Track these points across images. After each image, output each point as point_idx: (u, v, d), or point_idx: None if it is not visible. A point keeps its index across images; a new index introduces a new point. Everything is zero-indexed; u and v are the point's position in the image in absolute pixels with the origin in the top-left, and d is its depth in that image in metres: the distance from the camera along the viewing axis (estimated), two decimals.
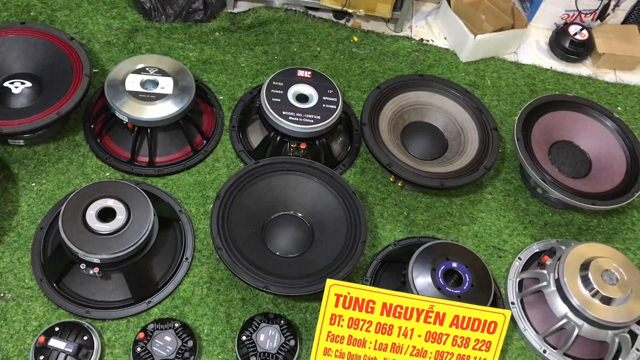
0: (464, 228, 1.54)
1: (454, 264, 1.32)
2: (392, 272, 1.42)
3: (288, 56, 1.77)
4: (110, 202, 1.25)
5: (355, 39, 1.85)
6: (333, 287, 1.23)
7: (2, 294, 1.26)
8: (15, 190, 1.39)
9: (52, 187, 1.41)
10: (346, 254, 1.30)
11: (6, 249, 1.32)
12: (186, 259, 1.36)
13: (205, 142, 1.54)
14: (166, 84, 1.45)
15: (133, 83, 1.44)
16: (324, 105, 1.49)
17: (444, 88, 1.61)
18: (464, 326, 1.26)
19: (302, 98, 1.51)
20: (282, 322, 1.27)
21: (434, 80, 1.62)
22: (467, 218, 1.56)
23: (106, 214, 1.24)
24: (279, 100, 1.48)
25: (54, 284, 1.27)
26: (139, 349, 1.19)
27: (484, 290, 1.32)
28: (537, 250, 1.51)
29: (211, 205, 1.45)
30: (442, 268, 1.31)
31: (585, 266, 1.33)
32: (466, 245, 1.40)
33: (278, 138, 1.49)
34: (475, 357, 1.28)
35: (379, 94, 1.55)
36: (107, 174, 1.46)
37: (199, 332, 1.27)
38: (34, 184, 1.41)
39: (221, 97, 1.65)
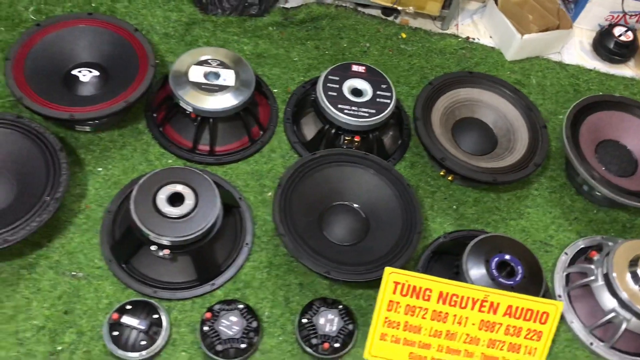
0: (512, 223, 1.58)
1: (507, 256, 1.36)
2: (443, 263, 1.46)
3: (338, 51, 1.82)
4: (179, 188, 1.31)
5: (404, 35, 1.89)
6: (392, 275, 1.28)
7: (73, 272, 1.32)
8: (82, 174, 1.45)
9: (117, 172, 1.47)
10: (402, 244, 1.35)
11: (76, 230, 1.37)
12: (246, 244, 1.41)
13: (261, 133, 1.59)
14: (228, 76, 1.50)
15: (196, 74, 1.49)
16: (378, 100, 1.54)
17: (494, 85, 1.64)
18: (517, 316, 1.31)
19: (356, 92, 1.55)
20: (340, 307, 1.32)
21: (484, 78, 1.66)
22: (514, 213, 1.60)
23: (175, 199, 1.30)
24: (335, 94, 1.53)
25: (123, 265, 1.33)
26: (206, 328, 1.25)
27: (535, 282, 1.36)
28: (582, 246, 1.55)
29: (269, 194, 1.51)
30: (495, 260, 1.35)
31: (634, 262, 1.37)
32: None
33: (333, 131, 1.54)
34: (526, 347, 1.32)
35: (431, 90, 1.59)
36: (170, 161, 1.51)
37: (259, 315, 1.32)
38: (100, 169, 1.47)
39: (275, 90, 1.69)
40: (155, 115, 1.56)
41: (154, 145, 1.53)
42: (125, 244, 1.34)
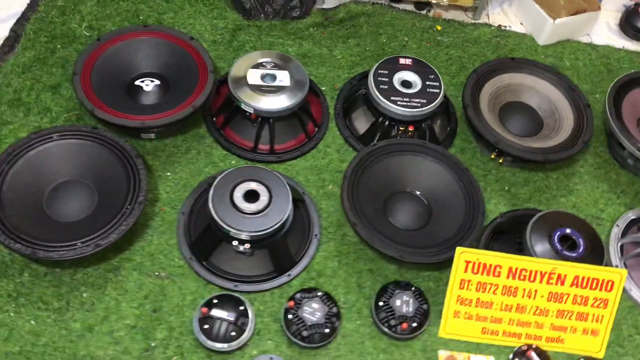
0: (562, 200, 1.64)
1: (568, 230, 1.42)
2: (502, 242, 1.52)
3: (378, 47, 1.88)
4: (253, 185, 1.37)
5: (439, 28, 1.96)
6: (463, 254, 1.34)
7: (157, 273, 1.38)
8: (153, 179, 1.51)
9: (185, 175, 1.53)
10: (468, 225, 1.41)
11: (154, 232, 1.44)
12: (315, 235, 1.47)
13: (316, 129, 1.65)
14: (283, 77, 1.57)
15: (254, 77, 1.55)
16: (427, 90, 1.60)
17: (536, 69, 1.71)
18: (583, 285, 1.37)
19: (406, 84, 1.62)
20: (413, 288, 1.38)
21: (525, 63, 1.72)
22: (564, 190, 1.66)
23: (251, 196, 1.36)
24: (386, 87, 1.59)
25: (203, 262, 1.39)
26: (290, 316, 1.31)
27: (596, 253, 1.42)
28: (633, 217, 1.60)
29: (329, 187, 1.57)
30: (557, 234, 1.41)
31: None
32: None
33: (387, 122, 1.60)
34: (593, 314, 1.38)
35: (477, 78, 1.65)
36: (233, 162, 1.58)
37: (336, 301, 1.38)
38: (168, 173, 1.53)
39: (323, 88, 1.76)
40: (214, 119, 1.62)
41: (217, 147, 1.59)
42: (204, 242, 1.40)
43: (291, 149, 1.61)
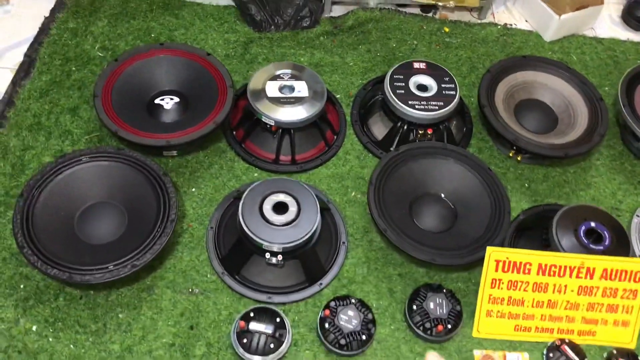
0: (582, 193, 1.66)
1: (593, 224, 1.44)
2: (527, 239, 1.54)
3: (389, 52, 1.90)
4: (281, 197, 1.38)
5: (447, 29, 1.98)
6: (493, 254, 1.36)
7: (191, 289, 1.39)
8: (179, 196, 1.52)
9: (210, 190, 1.54)
10: (495, 225, 1.43)
11: (184, 249, 1.45)
12: (343, 243, 1.49)
13: (335, 137, 1.67)
14: (301, 88, 1.58)
15: (272, 89, 1.57)
16: (443, 92, 1.62)
17: (547, 66, 1.73)
18: (613, 277, 1.39)
19: (422, 87, 1.63)
20: (444, 290, 1.40)
21: (536, 60, 1.74)
22: (582, 184, 1.68)
23: (280, 208, 1.37)
24: (403, 92, 1.61)
25: (235, 276, 1.40)
26: (326, 325, 1.32)
27: (622, 244, 1.44)
28: None
29: (352, 194, 1.59)
30: (582, 228, 1.43)
31: None
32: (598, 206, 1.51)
33: (405, 127, 1.61)
34: (623, 306, 1.40)
35: (490, 77, 1.67)
36: (256, 174, 1.59)
37: (370, 307, 1.39)
38: (193, 189, 1.54)
39: (338, 95, 1.77)
40: (234, 132, 1.63)
41: (238, 161, 1.61)
42: (235, 256, 1.41)
43: (312, 158, 1.63)
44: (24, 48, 1.74)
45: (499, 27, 2.02)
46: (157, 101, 1.57)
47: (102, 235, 1.35)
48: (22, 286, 1.35)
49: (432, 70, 1.67)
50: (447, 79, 1.65)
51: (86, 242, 1.34)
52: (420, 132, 1.61)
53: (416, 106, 1.58)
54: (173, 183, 1.50)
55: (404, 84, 1.62)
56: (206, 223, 1.49)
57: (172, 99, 1.57)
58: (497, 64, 1.71)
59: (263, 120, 1.54)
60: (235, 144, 1.62)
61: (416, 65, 1.67)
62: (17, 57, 1.73)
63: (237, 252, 1.41)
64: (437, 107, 1.58)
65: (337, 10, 1.98)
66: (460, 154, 1.52)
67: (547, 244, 1.46)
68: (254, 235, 1.33)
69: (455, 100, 1.61)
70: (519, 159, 1.67)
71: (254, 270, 1.42)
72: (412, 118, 1.59)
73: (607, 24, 2.10)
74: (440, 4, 1.94)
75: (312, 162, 1.62)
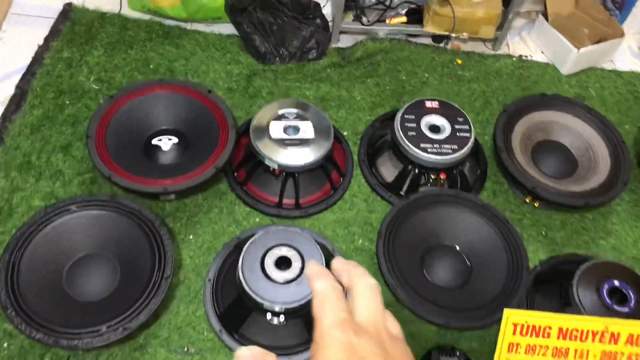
0: (602, 242, 1.57)
1: (616, 282, 1.35)
2: (544, 293, 1.45)
3: (399, 85, 1.81)
4: (284, 250, 1.29)
5: (459, 61, 1.89)
6: (511, 317, 1.27)
7: (186, 348, 1.30)
8: (175, 244, 1.43)
9: (208, 237, 1.45)
10: (512, 283, 1.34)
11: (180, 303, 1.36)
12: None
13: (341, 179, 1.58)
14: (306, 128, 1.49)
15: (276, 131, 1.48)
16: (457, 134, 1.53)
17: (566, 106, 1.64)
18: (638, 343, 1.29)
19: (435, 129, 1.54)
20: (457, 353, 1.31)
21: (555, 99, 1.65)
22: (602, 232, 1.59)
23: (282, 263, 1.28)
24: (414, 133, 1.52)
25: (234, 335, 1.31)
26: None
27: None
28: None
29: (359, 241, 1.50)
30: (605, 288, 1.33)
31: None
32: (621, 262, 1.42)
33: (416, 170, 1.53)
34: None
35: (507, 117, 1.59)
36: (257, 219, 1.50)
37: None
38: (191, 236, 1.45)
39: (345, 132, 1.68)
40: (235, 174, 1.54)
41: (239, 204, 1.52)
42: (234, 313, 1.32)
43: (317, 202, 1.54)
44: (15, 79, 1.66)
45: (514, 59, 1.93)
46: (154, 142, 1.48)
47: (92, 292, 1.26)
48: (5, 344, 1.26)
49: (445, 109, 1.58)
50: (461, 119, 1.56)
51: (75, 299, 1.25)
52: (432, 176, 1.52)
53: (428, 149, 1.49)
54: (170, 231, 1.41)
55: (415, 125, 1.53)
56: (204, 274, 1.40)
57: (170, 139, 1.48)
58: (514, 103, 1.62)
59: (266, 163, 1.46)
60: (236, 186, 1.53)
61: (428, 104, 1.58)
62: (8, 89, 1.64)
63: (236, 309, 1.32)
64: (450, 151, 1.50)
65: (345, 40, 1.89)
66: (475, 204, 1.43)
67: (566, 302, 1.37)
68: (254, 294, 1.23)
69: (470, 142, 1.52)
70: (536, 204, 1.58)
71: (254, 329, 1.32)
72: (424, 162, 1.50)
73: (627, 55, 2.01)
74: (453, 35, 1.85)
75: (317, 206, 1.53)
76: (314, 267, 0.57)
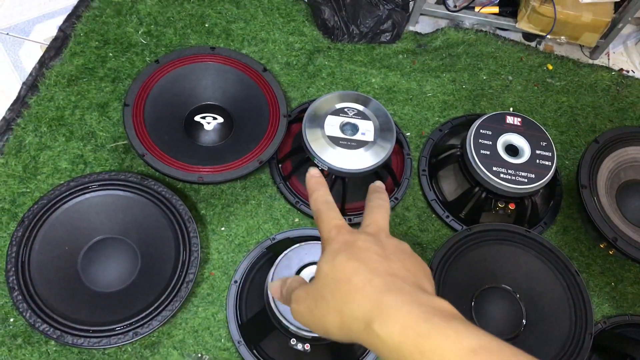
0: None
1: None
2: (604, 356, 1.28)
3: (477, 85, 1.60)
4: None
5: (550, 67, 1.65)
6: None
7: (200, 354, 1.20)
8: (204, 233, 1.31)
9: (241, 232, 1.32)
10: (572, 346, 1.17)
11: (200, 302, 1.24)
12: None
13: (395, 189, 1.41)
14: (367, 129, 1.32)
15: (332, 127, 1.31)
16: (537, 161, 1.33)
17: None
18: None
19: (512, 150, 1.35)
20: None
21: None
22: None
23: None
24: (488, 152, 1.33)
25: (253, 350, 1.20)
26: None
27: None
28: None
29: None
30: None
31: None
32: None
33: (483, 194, 1.34)
34: None
35: (597, 149, 1.37)
36: (297, 219, 1.36)
37: None
38: (222, 228, 1.32)
39: (408, 134, 1.50)
40: (280, 165, 1.39)
41: (280, 199, 1.37)
42: (257, 325, 1.20)
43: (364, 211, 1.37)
44: (59, 20, 1.51)
45: (613, 73, 1.68)
46: (197, 118, 1.33)
47: (108, 280, 1.16)
48: (12, 320, 1.17)
49: (528, 129, 1.37)
50: (544, 144, 1.36)
51: (88, 287, 1.14)
52: (500, 205, 1.34)
53: (501, 175, 1.30)
54: (200, 216, 1.30)
55: (490, 143, 1.34)
56: (231, 274, 1.28)
57: (215, 118, 1.33)
58: (607, 133, 1.40)
59: (316, 163, 1.29)
60: (279, 179, 1.38)
61: (509, 120, 1.38)
62: (50, 30, 1.50)
63: (259, 322, 1.20)
64: (526, 180, 1.30)
65: (424, 25, 1.67)
66: (544, 247, 1.25)
67: None
68: (281, 316, 1.11)
69: (551, 173, 1.32)
70: (611, 252, 1.39)
71: (276, 346, 1.20)
72: (495, 188, 1.31)
73: None
74: (549, 36, 1.61)
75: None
76: (313, 178, 0.59)
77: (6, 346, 1.15)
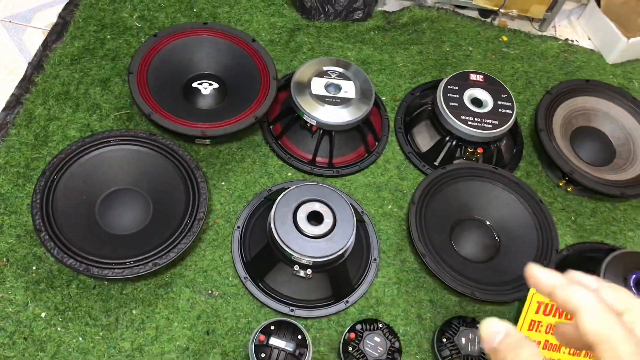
0: (630, 234, 1.56)
1: None
2: None
3: (442, 56, 1.78)
4: (317, 206, 1.29)
5: (505, 38, 1.85)
6: (536, 296, 1.27)
7: (210, 291, 1.31)
8: (207, 189, 1.43)
9: (240, 185, 1.45)
10: (541, 262, 1.33)
11: (207, 247, 1.36)
12: (374, 259, 1.40)
13: (376, 143, 1.57)
14: (349, 88, 1.48)
15: (318, 87, 1.46)
16: (499, 110, 1.51)
17: (611, 94, 1.61)
18: None
19: (477, 102, 1.52)
20: (478, 326, 1.31)
21: (600, 86, 1.62)
22: (631, 224, 1.57)
23: (314, 218, 1.28)
24: (456, 104, 1.50)
25: (259, 283, 1.32)
26: (350, 349, 1.24)
27: None
28: None
29: (389, 207, 1.49)
30: (633, 278, 1.33)
31: None
32: None
33: (454, 142, 1.51)
34: None
35: (550, 99, 1.56)
36: (289, 174, 1.49)
37: (397, 334, 1.31)
38: (223, 183, 1.45)
39: (383, 98, 1.67)
40: (271, 127, 1.53)
41: (272, 157, 1.51)
42: (261, 262, 1.33)
43: (350, 164, 1.53)
44: (58, 8, 1.64)
45: (560, 42, 1.89)
46: (194, 85, 1.47)
47: (124, 225, 1.27)
48: (34, 267, 1.27)
49: (490, 84, 1.56)
50: (504, 95, 1.54)
51: (107, 231, 1.26)
52: (469, 150, 1.51)
53: (469, 122, 1.47)
54: (204, 176, 1.41)
55: (458, 96, 1.51)
56: (233, 221, 1.40)
57: (210, 84, 1.47)
58: (559, 85, 1.60)
59: (304, 118, 1.44)
60: (271, 139, 1.52)
61: (473, 77, 1.56)
62: (50, 17, 1.63)
63: (262, 258, 1.32)
64: (491, 126, 1.48)
65: (392, 4, 1.86)
66: (511, 181, 1.42)
67: None
68: (285, 245, 1.24)
69: (512, 119, 1.50)
70: (569, 189, 1.57)
71: (279, 279, 1.33)
72: (463, 134, 1.48)
73: None
74: (502, 10, 1.81)
75: (349, 167, 1.52)
76: (543, 274, 0.46)
77: (30, 291, 1.24)
